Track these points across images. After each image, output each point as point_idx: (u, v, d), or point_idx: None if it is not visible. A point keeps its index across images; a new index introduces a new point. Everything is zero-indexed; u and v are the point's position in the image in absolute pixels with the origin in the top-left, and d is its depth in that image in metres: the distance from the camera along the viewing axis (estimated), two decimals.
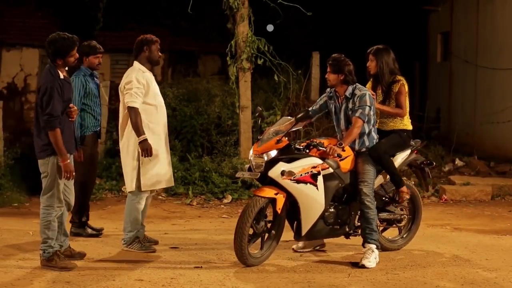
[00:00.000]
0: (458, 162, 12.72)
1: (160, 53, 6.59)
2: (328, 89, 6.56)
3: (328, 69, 6.36)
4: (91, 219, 7.51)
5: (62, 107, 5.63)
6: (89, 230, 7.27)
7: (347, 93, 6.30)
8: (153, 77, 6.58)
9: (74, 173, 5.68)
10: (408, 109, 6.56)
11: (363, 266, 6.00)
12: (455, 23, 16.46)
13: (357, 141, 6.32)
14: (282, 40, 13.72)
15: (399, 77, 6.49)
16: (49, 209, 5.71)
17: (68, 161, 5.60)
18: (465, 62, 15.49)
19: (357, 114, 6.20)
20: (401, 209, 6.67)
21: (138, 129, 6.26)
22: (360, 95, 6.23)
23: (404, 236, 6.82)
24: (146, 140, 6.24)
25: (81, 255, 6.07)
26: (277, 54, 10.59)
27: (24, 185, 10.23)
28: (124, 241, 6.49)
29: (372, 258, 6.06)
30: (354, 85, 6.32)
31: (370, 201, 6.15)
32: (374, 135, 6.39)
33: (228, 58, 10.45)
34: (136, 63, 6.51)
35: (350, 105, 6.27)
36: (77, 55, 5.78)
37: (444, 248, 6.84)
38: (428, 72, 18.22)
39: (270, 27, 12.05)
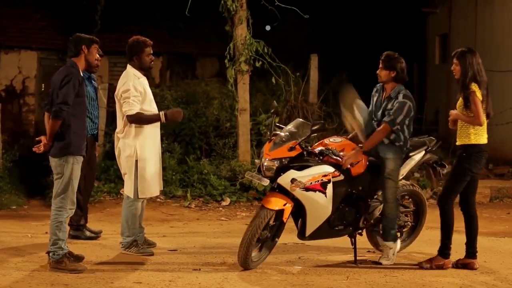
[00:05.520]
0: None
1: (152, 57, 6.50)
2: (378, 85, 6.40)
3: (380, 65, 6.21)
4: (90, 221, 7.52)
5: (75, 102, 5.72)
6: (88, 233, 7.27)
7: (392, 93, 6.16)
8: (147, 82, 6.56)
9: (42, 149, 5.77)
10: (482, 119, 5.93)
11: (377, 263, 6.17)
12: (454, 25, 16.47)
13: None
14: (280, 43, 13.72)
15: (472, 86, 5.92)
16: (61, 210, 5.72)
17: (50, 144, 5.70)
18: None
19: (386, 119, 6.04)
20: (406, 215, 6.61)
21: (151, 119, 6.32)
22: (401, 101, 6.06)
23: (405, 239, 6.76)
24: (163, 113, 6.28)
25: (79, 258, 6.06)
26: (276, 56, 10.59)
27: (23, 188, 10.21)
28: (122, 244, 6.48)
29: (390, 255, 6.17)
30: (402, 88, 6.17)
31: (393, 193, 6.07)
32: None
33: (226, 61, 10.45)
34: (130, 68, 6.46)
35: (389, 106, 6.13)
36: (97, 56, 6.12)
37: None
38: (427, 74, 18.23)
39: (268, 27, 12.06)
